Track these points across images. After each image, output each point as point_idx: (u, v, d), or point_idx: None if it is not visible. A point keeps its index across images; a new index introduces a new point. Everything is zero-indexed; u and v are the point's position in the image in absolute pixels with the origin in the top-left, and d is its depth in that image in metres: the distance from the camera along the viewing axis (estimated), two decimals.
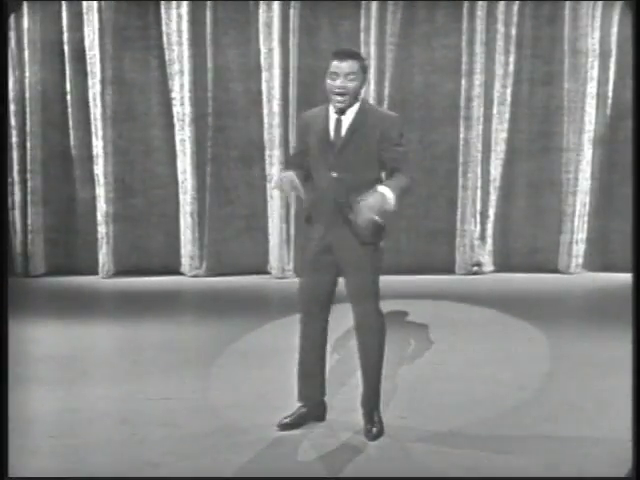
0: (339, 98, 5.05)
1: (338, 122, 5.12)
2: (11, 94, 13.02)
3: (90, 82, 12.95)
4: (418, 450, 5.12)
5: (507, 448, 5.16)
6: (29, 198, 13.10)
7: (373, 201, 4.78)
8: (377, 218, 4.81)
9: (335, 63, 5.03)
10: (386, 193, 4.80)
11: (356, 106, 5.15)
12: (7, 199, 12.72)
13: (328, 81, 5.08)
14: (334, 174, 5.09)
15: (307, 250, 5.40)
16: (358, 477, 4.26)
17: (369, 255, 5.21)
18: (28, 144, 13.07)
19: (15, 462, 4.82)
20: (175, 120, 13.08)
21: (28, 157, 13.08)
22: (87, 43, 12.89)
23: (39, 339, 8.62)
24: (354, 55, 5.10)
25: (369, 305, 5.26)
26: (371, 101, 12.55)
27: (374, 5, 12.83)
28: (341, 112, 5.11)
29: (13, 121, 13.08)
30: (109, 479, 4.15)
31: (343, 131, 5.10)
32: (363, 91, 12.15)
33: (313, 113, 5.35)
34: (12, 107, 13.04)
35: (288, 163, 5.29)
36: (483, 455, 5.03)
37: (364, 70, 5.14)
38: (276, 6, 12.79)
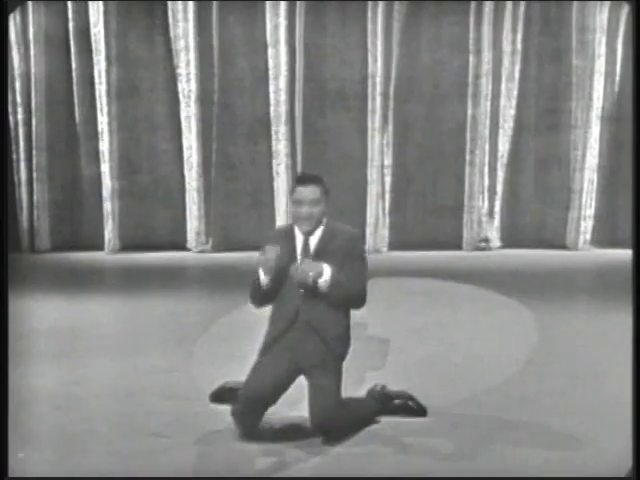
0: (306, 222, 5.00)
1: (305, 242, 5.05)
2: (16, 71, 13.01)
3: (95, 59, 12.93)
4: (422, 424, 5.10)
5: (511, 422, 5.14)
6: (34, 175, 13.08)
7: (308, 267, 4.81)
8: (309, 279, 4.80)
9: (299, 189, 4.99)
10: (325, 270, 4.81)
11: (321, 227, 5.07)
12: (7, 177, 12.70)
13: (293, 208, 5.05)
14: (302, 290, 4.94)
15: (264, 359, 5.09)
16: (358, 477, 4.22)
17: (334, 360, 4.98)
18: (33, 121, 13.03)
19: (21, 432, 4.83)
20: (181, 97, 13.06)
21: (33, 134, 13.04)
22: (92, 20, 12.84)
23: (45, 314, 8.61)
24: (316, 180, 5.04)
25: (331, 404, 4.88)
26: (378, 79, 12.55)
27: None
28: (307, 234, 5.04)
29: (19, 98, 13.06)
30: (109, 479, 4.14)
31: (311, 250, 5.02)
32: (369, 67, 12.20)
33: (280, 231, 5.40)
34: (17, 84, 13.02)
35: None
36: (486, 429, 5.00)
37: (326, 193, 5.05)
38: None
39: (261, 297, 5.10)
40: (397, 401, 5.30)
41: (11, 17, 12.78)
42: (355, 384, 5.57)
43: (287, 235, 5.11)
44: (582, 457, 4.53)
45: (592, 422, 5.07)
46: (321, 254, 4.96)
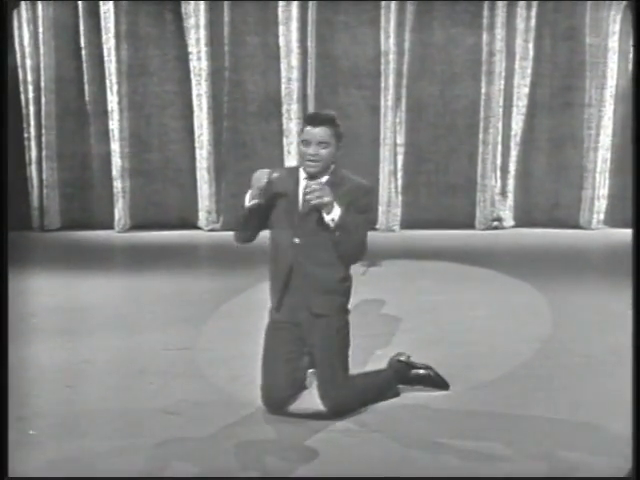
0: (311, 164, 4.71)
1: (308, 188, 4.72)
2: (26, 49, 12.96)
3: (104, 37, 12.82)
4: (438, 401, 5.07)
5: (524, 399, 5.11)
6: (44, 153, 13.03)
7: (321, 191, 4.52)
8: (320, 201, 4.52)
9: (308, 129, 4.73)
10: (335, 208, 4.56)
11: (328, 173, 4.78)
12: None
13: (300, 147, 4.80)
14: (296, 240, 4.75)
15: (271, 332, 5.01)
16: (358, 477, 4.19)
17: (336, 328, 4.82)
18: (43, 99, 12.97)
19: (32, 409, 4.81)
20: (191, 75, 12.95)
21: (43, 113, 12.99)
22: None
23: (55, 292, 8.57)
24: (328, 121, 4.73)
25: (336, 378, 4.81)
26: (391, 56, 12.44)
27: None
28: (312, 177, 4.74)
29: (30, 77, 13.00)
30: (109, 479, 4.09)
31: None
32: (382, 44, 12.06)
33: (281, 175, 4.83)
34: (28, 62, 12.97)
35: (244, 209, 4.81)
36: (498, 406, 4.98)
37: (338, 136, 4.76)
38: None
39: (242, 228, 4.92)
40: (421, 371, 5.25)
41: None
42: (362, 364, 5.53)
43: (291, 177, 4.87)
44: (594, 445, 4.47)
45: (604, 409, 5.02)
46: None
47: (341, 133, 4.79)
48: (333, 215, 4.57)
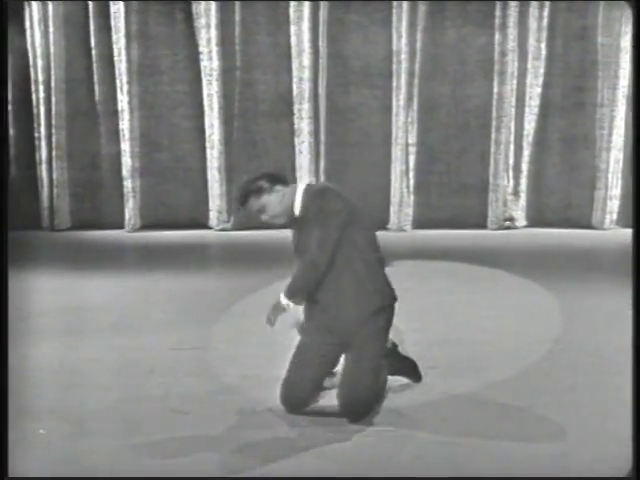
0: (272, 224, 4.91)
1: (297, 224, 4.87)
2: (38, 50, 12.99)
3: (115, 37, 12.84)
4: (448, 400, 5.02)
5: (534, 399, 5.06)
6: (54, 153, 13.04)
7: (271, 315, 4.77)
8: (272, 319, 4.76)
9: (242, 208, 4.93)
10: (282, 301, 4.73)
11: (298, 200, 4.77)
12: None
13: None
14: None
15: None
16: (359, 477, 4.14)
17: (373, 338, 4.75)
18: (53, 99, 12.98)
19: (40, 408, 4.80)
20: (202, 74, 12.95)
21: (53, 112, 13.00)
22: None
23: (65, 292, 8.55)
24: (246, 195, 4.79)
25: (361, 385, 4.70)
26: (403, 55, 12.42)
27: None
28: (290, 221, 4.84)
29: (40, 76, 13.03)
30: (109, 479, 4.05)
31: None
32: (394, 44, 12.02)
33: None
34: (39, 62, 13.01)
35: None
36: (507, 405, 4.93)
37: (269, 187, 4.76)
38: None
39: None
40: (406, 361, 5.27)
41: None
42: None
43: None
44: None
45: (613, 409, 4.96)
46: (303, 227, 4.76)
47: (272, 178, 4.81)
48: (285, 305, 4.73)
